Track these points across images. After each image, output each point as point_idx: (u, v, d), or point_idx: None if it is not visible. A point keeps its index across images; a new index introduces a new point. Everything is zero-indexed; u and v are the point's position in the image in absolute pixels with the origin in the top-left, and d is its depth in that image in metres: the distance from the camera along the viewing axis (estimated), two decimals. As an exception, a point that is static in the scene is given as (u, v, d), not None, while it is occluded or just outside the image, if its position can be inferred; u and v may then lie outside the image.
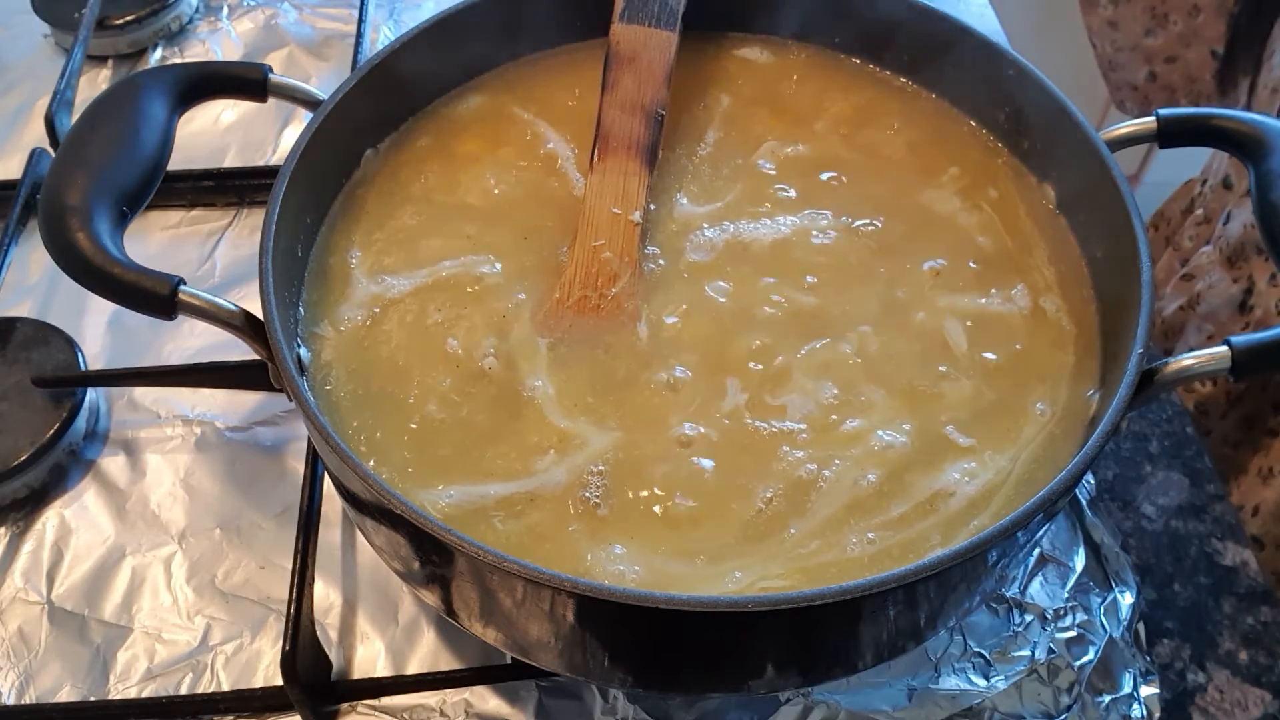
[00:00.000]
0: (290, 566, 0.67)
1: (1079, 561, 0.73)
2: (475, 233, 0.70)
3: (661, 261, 0.69)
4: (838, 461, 0.60)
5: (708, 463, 0.60)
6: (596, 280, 0.66)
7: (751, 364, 0.64)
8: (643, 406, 0.62)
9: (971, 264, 0.69)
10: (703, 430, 0.61)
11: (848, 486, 0.59)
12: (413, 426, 0.62)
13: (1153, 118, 0.66)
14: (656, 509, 0.59)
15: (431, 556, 0.55)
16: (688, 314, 0.66)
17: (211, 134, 0.99)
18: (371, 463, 0.60)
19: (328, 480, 0.71)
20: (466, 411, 0.62)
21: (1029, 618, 0.70)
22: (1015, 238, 0.71)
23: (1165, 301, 1.12)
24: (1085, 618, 0.71)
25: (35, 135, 0.97)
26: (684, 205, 0.72)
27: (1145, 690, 0.69)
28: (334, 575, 0.73)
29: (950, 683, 0.68)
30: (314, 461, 0.72)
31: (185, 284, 0.57)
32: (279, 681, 0.65)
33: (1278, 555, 0.92)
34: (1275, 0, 1.01)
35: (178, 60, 1.05)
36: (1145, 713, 0.68)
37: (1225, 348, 0.56)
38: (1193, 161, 1.12)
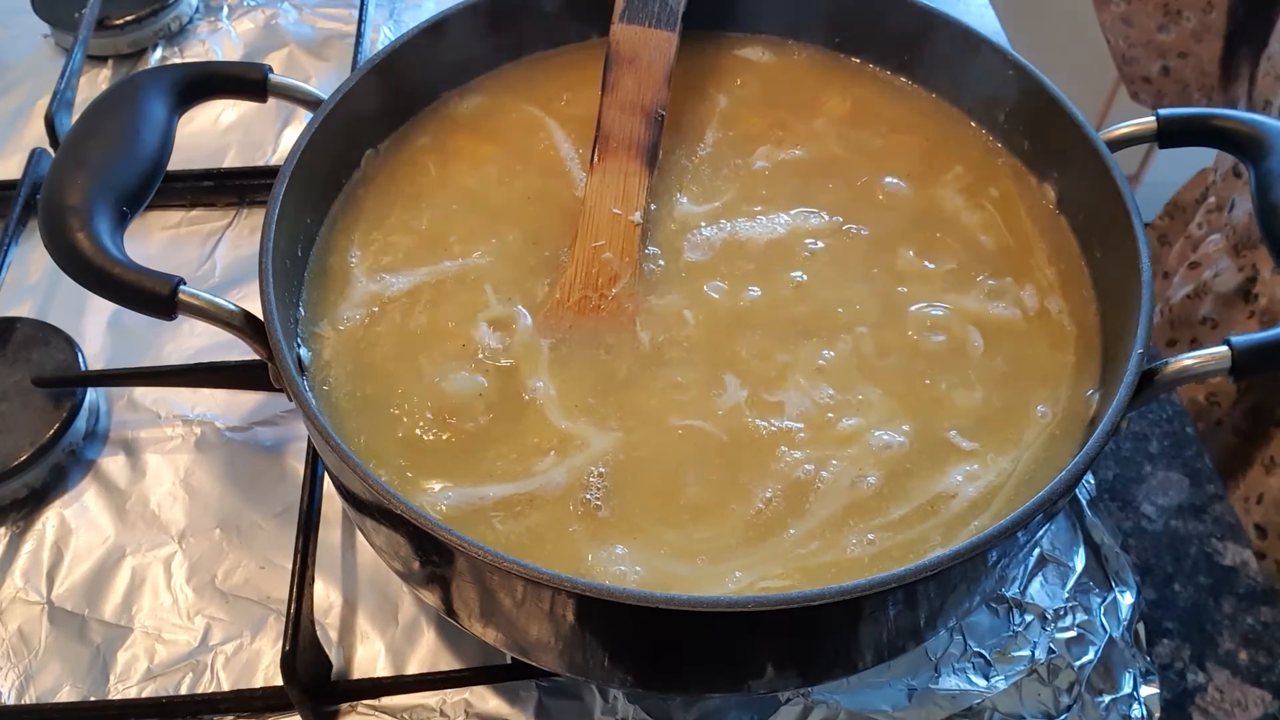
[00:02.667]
0: (290, 566, 0.67)
1: (1079, 561, 0.73)
2: (475, 232, 0.70)
3: (662, 261, 0.69)
4: (835, 462, 0.60)
5: (708, 462, 0.60)
6: (597, 280, 0.66)
7: (750, 363, 0.64)
8: (643, 406, 0.62)
9: (972, 264, 0.69)
10: (702, 430, 0.61)
11: (846, 487, 0.59)
12: (412, 427, 0.61)
13: (1153, 118, 0.66)
14: (656, 510, 0.59)
15: (431, 556, 0.55)
16: (688, 313, 0.66)
17: (211, 134, 0.99)
18: (371, 464, 0.60)
19: (328, 480, 0.71)
20: (466, 412, 0.62)
21: (1029, 618, 0.70)
22: (1016, 238, 0.71)
23: (1173, 290, 1.12)
24: (1085, 618, 0.71)
25: (35, 135, 0.97)
26: (684, 205, 0.72)
27: (1145, 690, 0.69)
28: (334, 575, 0.73)
29: (950, 683, 0.68)
30: (314, 461, 0.72)
31: (185, 284, 0.57)
32: (279, 681, 0.65)
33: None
34: None
35: (178, 60, 1.05)
36: (1145, 713, 0.68)
37: (1225, 348, 0.56)
38: (1193, 162, 1.12)
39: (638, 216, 0.69)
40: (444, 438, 0.61)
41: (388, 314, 0.66)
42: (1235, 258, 1.04)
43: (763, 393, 0.63)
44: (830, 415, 0.62)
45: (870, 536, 0.58)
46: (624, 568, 0.56)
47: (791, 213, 0.71)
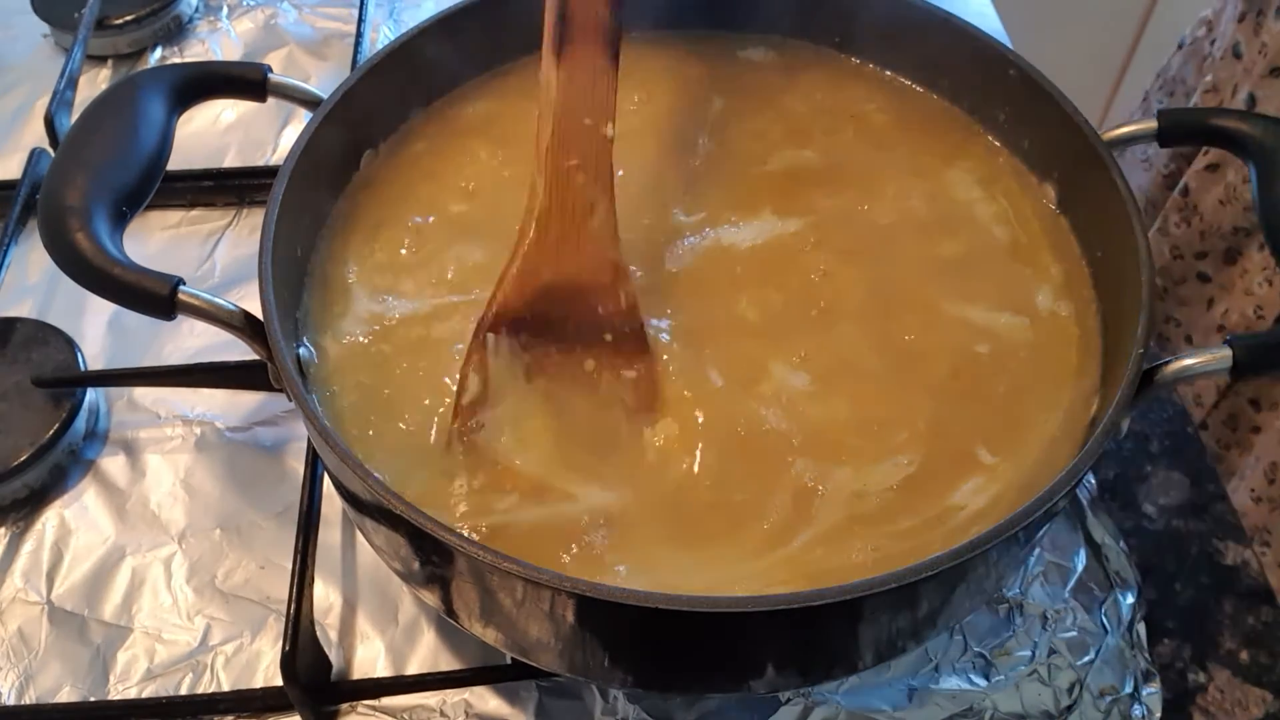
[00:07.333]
0: (290, 566, 0.67)
1: (1079, 562, 0.73)
2: (476, 237, 0.70)
3: (664, 261, 0.69)
4: (839, 473, 0.60)
5: (709, 470, 0.60)
6: (573, 210, 0.60)
7: (752, 371, 0.63)
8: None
9: (977, 265, 0.69)
10: (705, 435, 0.61)
11: (850, 499, 0.59)
12: (411, 434, 0.61)
13: (1153, 118, 0.66)
14: (659, 524, 0.58)
15: (431, 556, 0.55)
16: (687, 319, 0.66)
17: (211, 134, 0.99)
18: (370, 465, 0.60)
19: (328, 480, 0.71)
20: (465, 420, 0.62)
21: (1029, 618, 0.70)
22: (1019, 238, 0.70)
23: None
24: (1086, 618, 0.70)
25: (35, 135, 0.97)
26: (679, 212, 0.71)
27: (1146, 690, 0.69)
28: (334, 575, 0.73)
29: (950, 683, 0.68)
30: (314, 461, 0.72)
31: (185, 284, 0.57)
32: (279, 681, 0.65)
33: (1272, 514, 0.92)
34: None
35: (177, 60, 1.05)
36: (1146, 713, 0.68)
37: (1227, 348, 0.56)
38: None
39: (611, 130, 0.61)
40: (443, 446, 0.61)
41: (386, 318, 0.66)
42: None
43: (766, 403, 0.62)
44: (833, 421, 0.62)
45: (874, 545, 0.57)
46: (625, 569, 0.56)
47: (792, 216, 0.71)
